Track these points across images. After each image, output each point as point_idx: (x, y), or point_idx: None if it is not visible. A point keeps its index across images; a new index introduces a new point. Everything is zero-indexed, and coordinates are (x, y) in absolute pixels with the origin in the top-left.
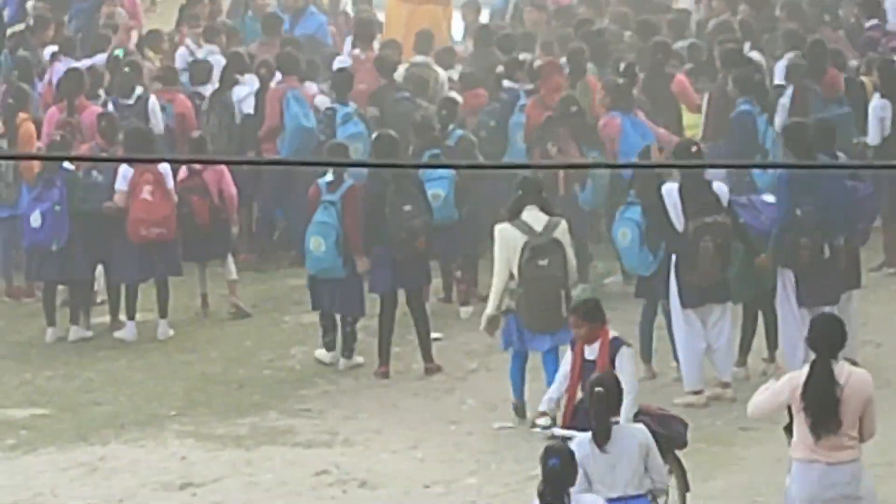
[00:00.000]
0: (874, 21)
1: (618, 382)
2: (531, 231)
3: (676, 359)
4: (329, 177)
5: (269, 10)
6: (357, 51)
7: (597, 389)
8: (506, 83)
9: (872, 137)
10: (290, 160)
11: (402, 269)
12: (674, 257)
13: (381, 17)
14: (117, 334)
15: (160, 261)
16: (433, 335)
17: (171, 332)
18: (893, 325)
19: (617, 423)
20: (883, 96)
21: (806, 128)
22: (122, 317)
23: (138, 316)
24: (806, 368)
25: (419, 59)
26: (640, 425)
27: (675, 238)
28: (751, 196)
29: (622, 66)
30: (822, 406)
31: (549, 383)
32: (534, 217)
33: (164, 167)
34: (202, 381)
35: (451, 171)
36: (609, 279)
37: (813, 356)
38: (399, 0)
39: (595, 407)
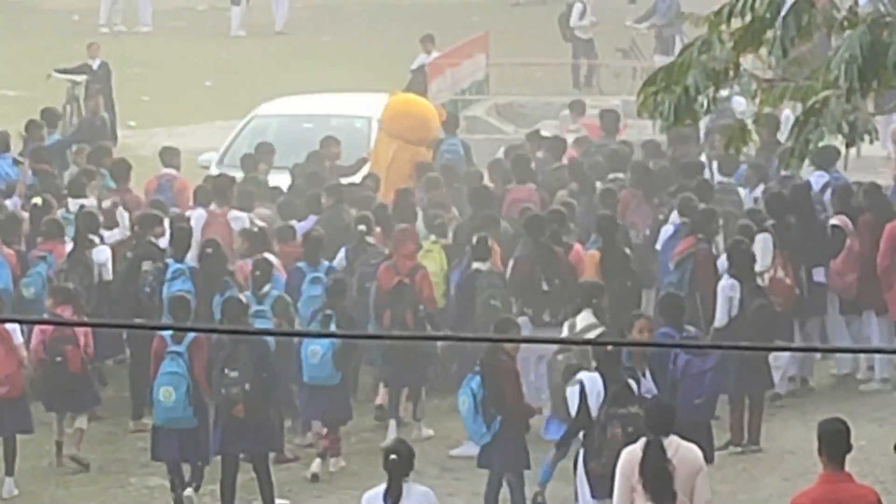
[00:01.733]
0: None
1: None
2: None
3: None
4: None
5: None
6: (213, 206)
7: (391, 456)
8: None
9: (720, 318)
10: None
11: (238, 431)
12: (581, 450)
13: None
14: None
15: (8, 418)
16: (279, 501)
17: (16, 491)
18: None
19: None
20: (732, 276)
21: None
22: None
23: None
24: (639, 446)
25: (262, 222)
26: (426, 488)
27: (588, 426)
28: None
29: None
30: (658, 480)
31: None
32: None
33: (11, 325)
34: None
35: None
36: (456, 450)
37: None
38: (388, 135)
39: (390, 470)
